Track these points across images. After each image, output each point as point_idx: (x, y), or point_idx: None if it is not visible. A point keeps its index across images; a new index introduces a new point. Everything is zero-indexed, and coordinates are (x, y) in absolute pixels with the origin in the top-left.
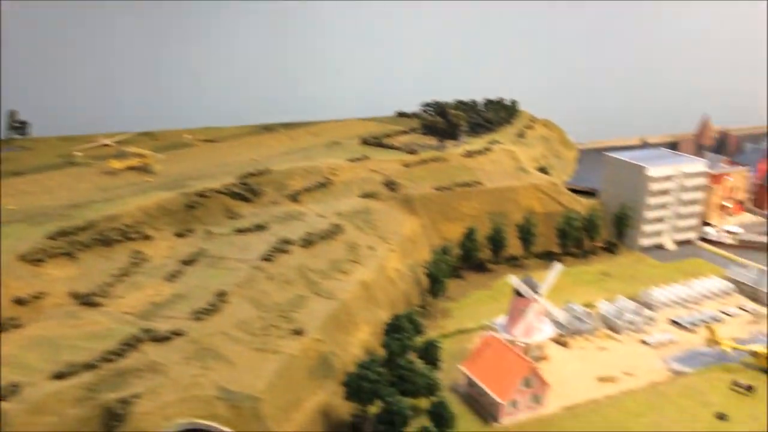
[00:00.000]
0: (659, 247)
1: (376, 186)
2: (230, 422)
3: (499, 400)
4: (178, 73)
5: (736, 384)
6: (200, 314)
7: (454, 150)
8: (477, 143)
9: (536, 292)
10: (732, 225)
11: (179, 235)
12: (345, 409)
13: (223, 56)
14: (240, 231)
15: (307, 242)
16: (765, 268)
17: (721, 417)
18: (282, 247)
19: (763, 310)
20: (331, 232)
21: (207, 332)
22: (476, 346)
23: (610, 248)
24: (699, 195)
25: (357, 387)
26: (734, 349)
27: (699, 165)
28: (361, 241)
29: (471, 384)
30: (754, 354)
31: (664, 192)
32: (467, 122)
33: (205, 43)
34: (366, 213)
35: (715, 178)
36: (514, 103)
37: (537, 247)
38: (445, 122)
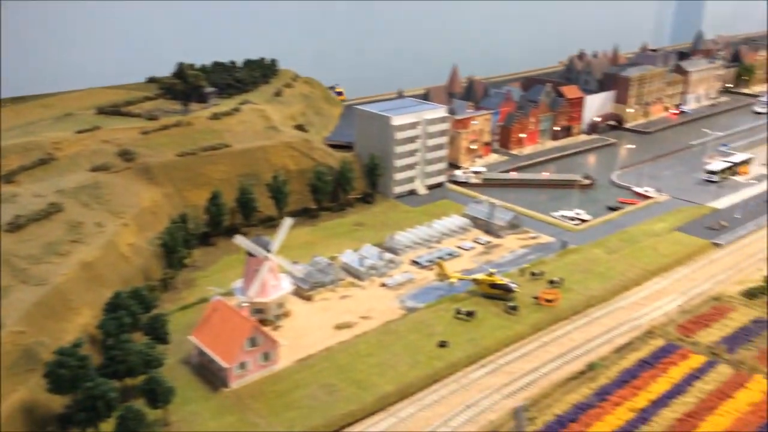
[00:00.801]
0: (412, 192)
1: (108, 157)
2: None
3: (225, 364)
4: None
5: (459, 312)
6: None
7: (201, 113)
8: (226, 104)
9: (268, 250)
10: (478, 166)
11: None
12: (59, 401)
13: None
14: None
15: (15, 226)
16: (496, 202)
17: (443, 345)
18: None
19: (494, 240)
20: (48, 213)
21: None
22: (205, 313)
23: (366, 199)
24: (443, 140)
25: (57, 376)
26: (460, 279)
27: (440, 111)
28: (87, 218)
29: (201, 353)
30: (476, 282)
31: (410, 139)
32: (210, 83)
33: None
34: (95, 188)
35: (462, 123)
36: (273, 62)
37: (293, 205)
38: (184, 84)
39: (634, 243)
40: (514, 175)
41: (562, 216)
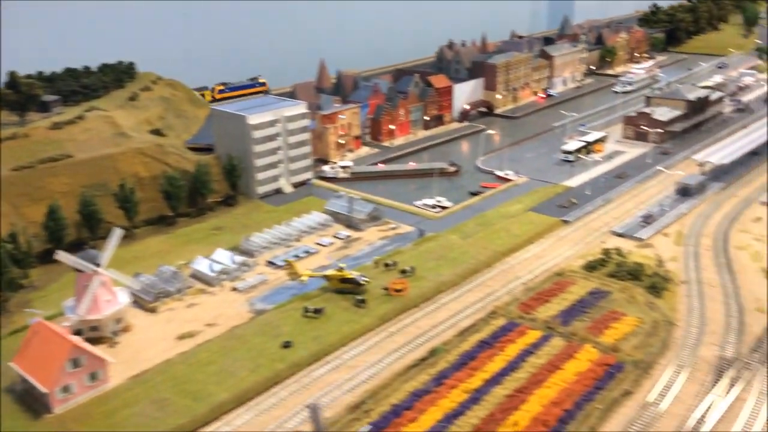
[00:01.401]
0: (278, 191)
1: None
2: None
3: (44, 389)
4: None
5: (307, 310)
6: None
7: (39, 123)
8: (70, 113)
9: (97, 264)
10: (349, 160)
11: None
12: None
13: None
14: None
15: None
16: (355, 195)
17: (287, 345)
18: None
19: (354, 234)
20: None
21: None
22: (26, 336)
23: (228, 201)
24: (305, 136)
25: None
26: (311, 277)
27: (300, 108)
28: None
29: (24, 379)
30: (327, 278)
31: (270, 138)
32: (53, 91)
33: None
34: None
35: (329, 118)
36: (130, 65)
37: (147, 213)
38: (17, 94)
39: (489, 226)
40: (381, 167)
41: (424, 204)
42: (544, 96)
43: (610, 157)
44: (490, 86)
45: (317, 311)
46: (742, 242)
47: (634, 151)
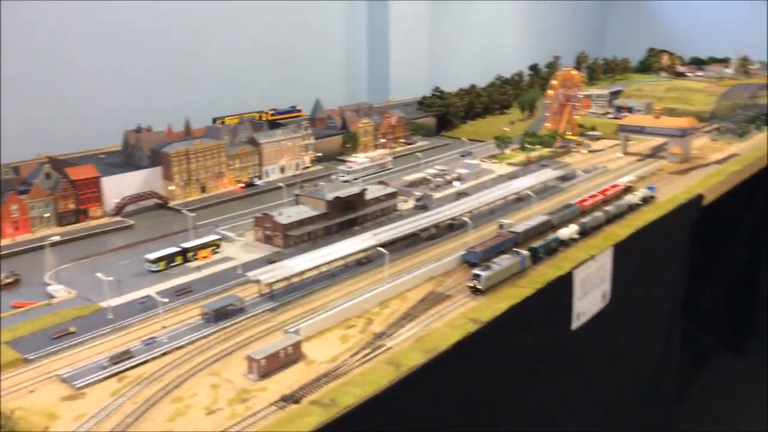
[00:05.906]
0: None
1: None
2: None
3: None
4: None
5: None
6: None
7: None
8: None
9: None
10: None
11: None
12: None
13: None
14: None
15: None
16: None
17: None
18: None
19: None
20: None
21: None
22: None
23: None
24: None
25: None
26: None
27: None
28: None
29: None
30: None
31: None
32: None
33: None
34: None
35: None
36: None
37: None
38: None
39: None
40: None
41: None
42: (244, 185)
43: (210, 265)
44: (167, 176)
45: None
46: (192, 390)
47: (248, 257)
